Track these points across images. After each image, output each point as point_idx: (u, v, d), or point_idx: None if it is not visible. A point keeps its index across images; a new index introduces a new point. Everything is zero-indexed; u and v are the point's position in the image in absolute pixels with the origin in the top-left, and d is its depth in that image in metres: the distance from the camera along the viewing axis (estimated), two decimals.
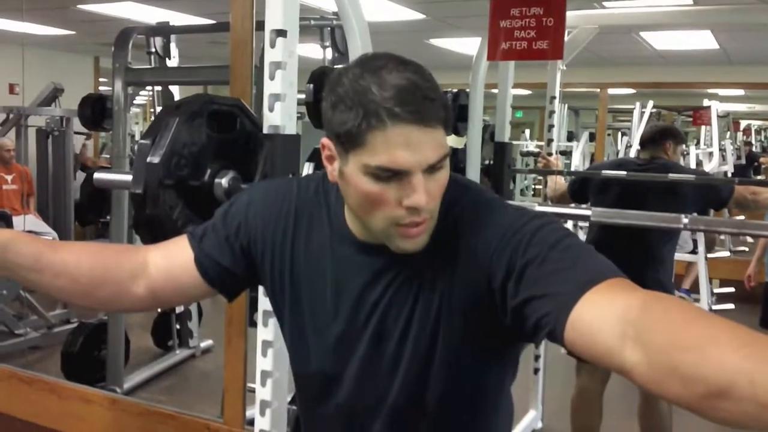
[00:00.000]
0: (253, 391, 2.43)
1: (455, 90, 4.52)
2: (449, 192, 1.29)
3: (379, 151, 1.15)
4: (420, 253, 1.27)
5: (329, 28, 4.72)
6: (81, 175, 8.62)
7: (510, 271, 1.19)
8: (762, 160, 12.53)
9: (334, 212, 1.37)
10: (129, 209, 4.67)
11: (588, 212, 2.60)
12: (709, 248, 7.00)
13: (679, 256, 4.99)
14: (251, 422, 2.46)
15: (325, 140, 1.25)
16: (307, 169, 2.61)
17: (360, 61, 1.22)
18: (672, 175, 3.63)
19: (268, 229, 1.40)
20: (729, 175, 8.85)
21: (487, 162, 4.43)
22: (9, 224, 5.95)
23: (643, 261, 3.61)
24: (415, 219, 1.20)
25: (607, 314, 1.06)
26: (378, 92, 1.14)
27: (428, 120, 1.15)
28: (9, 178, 7.39)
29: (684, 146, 4.14)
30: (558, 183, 4.42)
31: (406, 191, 1.18)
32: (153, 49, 5.31)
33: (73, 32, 9.16)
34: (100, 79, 11.07)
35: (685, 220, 2.27)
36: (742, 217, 4.45)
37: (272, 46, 2.18)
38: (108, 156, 9.57)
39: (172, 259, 1.46)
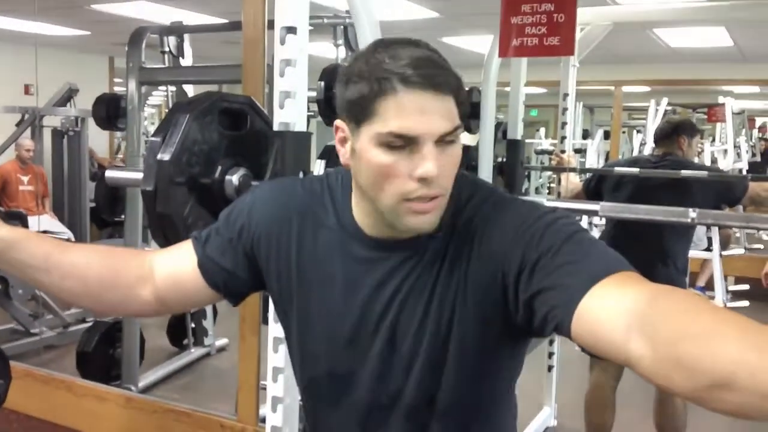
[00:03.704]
0: (266, 388, 2.43)
1: (468, 88, 4.51)
2: (461, 189, 1.29)
3: (391, 118, 1.15)
4: (433, 248, 1.27)
5: (342, 27, 4.73)
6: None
7: (523, 265, 1.18)
8: None
9: (341, 209, 1.35)
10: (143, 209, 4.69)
11: (597, 207, 2.60)
12: (724, 245, 6.98)
13: (693, 253, 4.97)
14: (265, 419, 2.47)
15: (338, 121, 1.25)
16: (319, 166, 2.62)
17: (373, 43, 1.23)
18: (685, 172, 3.61)
19: (273, 230, 1.38)
20: (744, 172, 8.81)
21: (500, 160, 4.42)
22: (24, 224, 5.97)
23: (656, 258, 3.61)
24: (426, 192, 1.18)
25: (614, 307, 1.05)
26: (391, 62, 1.15)
27: (440, 86, 1.15)
28: (25, 179, 7.44)
29: (699, 138, 4.10)
30: (571, 182, 4.40)
31: (416, 162, 1.17)
32: (167, 49, 5.32)
33: (88, 32, 9.20)
34: (115, 79, 11.10)
35: (693, 215, 2.27)
36: None
37: (282, 43, 2.18)
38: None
39: (177, 264, 1.45)
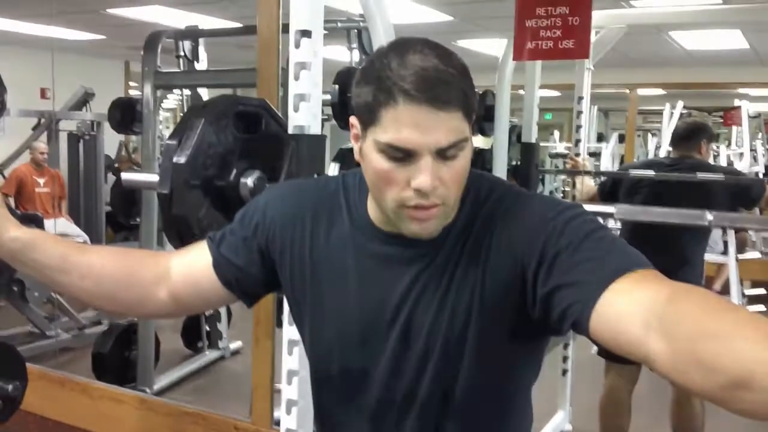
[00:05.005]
0: (280, 391, 2.43)
1: (482, 90, 4.51)
2: (479, 186, 1.29)
3: (389, 129, 1.15)
4: (450, 244, 1.27)
5: (356, 30, 4.72)
6: (111, 179, 8.69)
7: (542, 259, 1.18)
8: None
9: (356, 207, 1.36)
10: (159, 212, 4.71)
11: (612, 209, 2.59)
12: (740, 249, 6.93)
13: (709, 257, 4.93)
14: (279, 422, 2.47)
15: (352, 118, 1.25)
16: (333, 169, 2.62)
17: (392, 43, 1.22)
18: (701, 175, 3.59)
19: (287, 228, 1.39)
20: (760, 175, 8.76)
21: (514, 163, 4.41)
22: (40, 226, 5.99)
23: (672, 262, 3.57)
24: (422, 202, 1.18)
25: (633, 304, 1.05)
26: (396, 70, 1.14)
27: (442, 103, 1.14)
28: (41, 181, 7.48)
29: (714, 143, 4.10)
30: (586, 185, 4.39)
31: (413, 173, 1.16)
32: (182, 53, 5.34)
33: (103, 37, 9.25)
34: (130, 83, 11.16)
35: (710, 217, 2.26)
36: None
37: (297, 46, 2.19)
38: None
39: (193, 265, 1.46)
